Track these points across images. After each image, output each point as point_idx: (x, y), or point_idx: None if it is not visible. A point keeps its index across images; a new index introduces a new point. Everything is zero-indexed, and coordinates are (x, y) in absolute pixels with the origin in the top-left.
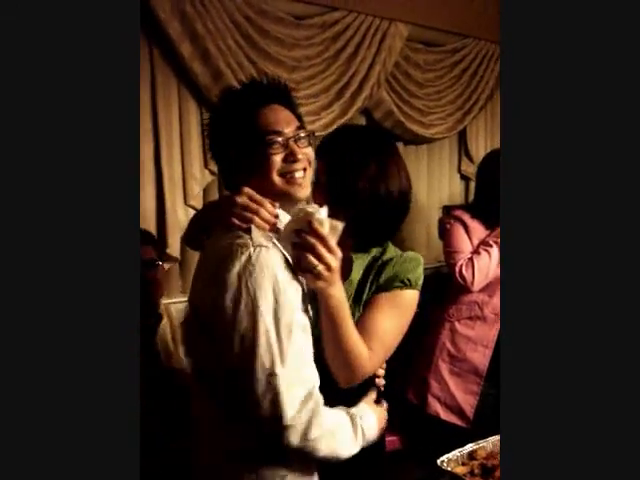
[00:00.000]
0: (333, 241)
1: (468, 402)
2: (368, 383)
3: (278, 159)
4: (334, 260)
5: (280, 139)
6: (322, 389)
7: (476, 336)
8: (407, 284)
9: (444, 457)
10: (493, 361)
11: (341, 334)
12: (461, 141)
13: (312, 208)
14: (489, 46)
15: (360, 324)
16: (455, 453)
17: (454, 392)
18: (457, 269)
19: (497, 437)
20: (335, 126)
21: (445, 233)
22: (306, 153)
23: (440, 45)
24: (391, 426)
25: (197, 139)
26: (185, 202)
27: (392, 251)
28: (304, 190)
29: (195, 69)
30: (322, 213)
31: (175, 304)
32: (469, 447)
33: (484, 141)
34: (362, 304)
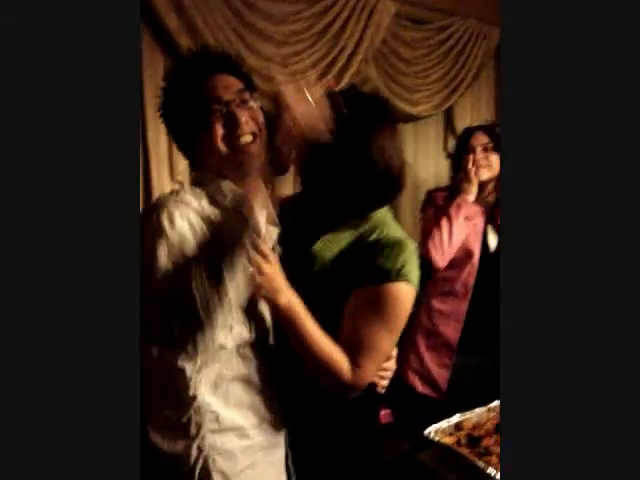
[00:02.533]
0: (267, 247)
1: (442, 375)
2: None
3: (219, 125)
4: (268, 266)
5: (218, 105)
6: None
7: (448, 310)
8: (385, 276)
9: (431, 428)
10: (472, 333)
11: (307, 347)
12: (447, 119)
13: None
14: (476, 24)
15: (341, 331)
16: (442, 424)
17: (429, 365)
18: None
19: (483, 408)
20: None
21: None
22: (253, 117)
23: (428, 22)
24: (383, 400)
25: None
26: (171, 178)
27: (383, 232)
28: (255, 159)
29: (182, 42)
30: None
31: None
32: (456, 418)
33: (470, 119)
34: (338, 292)
